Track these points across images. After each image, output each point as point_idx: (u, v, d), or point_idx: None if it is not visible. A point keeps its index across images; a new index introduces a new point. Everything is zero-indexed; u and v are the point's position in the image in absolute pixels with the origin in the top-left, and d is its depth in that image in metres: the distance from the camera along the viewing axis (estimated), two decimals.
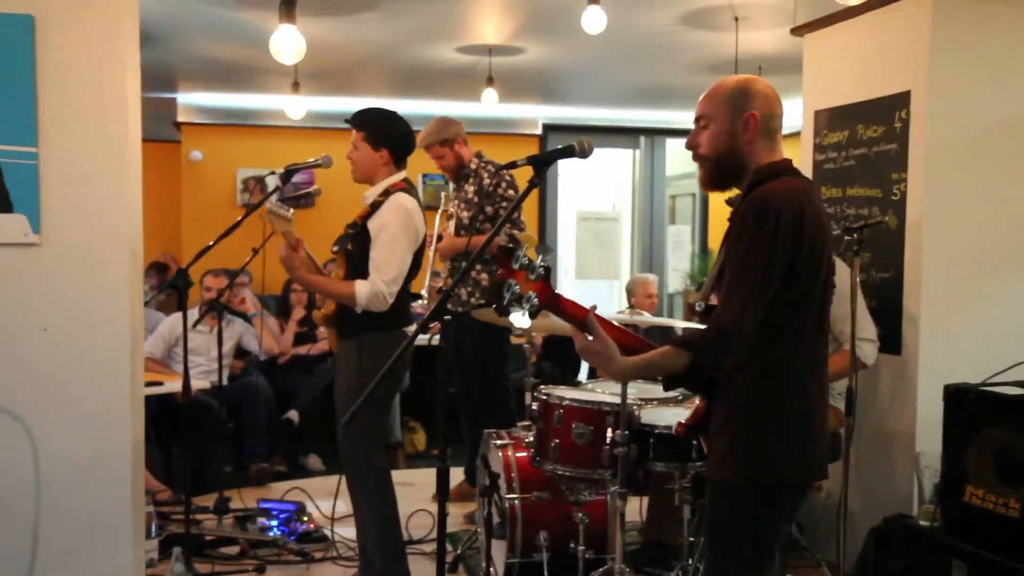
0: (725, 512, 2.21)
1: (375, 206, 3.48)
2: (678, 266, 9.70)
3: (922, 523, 3.32)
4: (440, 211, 5.09)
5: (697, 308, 2.29)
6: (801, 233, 2.07)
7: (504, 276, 2.03)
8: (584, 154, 2.30)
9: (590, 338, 2.10)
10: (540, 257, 2.06)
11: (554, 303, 2.10)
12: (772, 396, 2.13)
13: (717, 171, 2.24)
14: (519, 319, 2.01)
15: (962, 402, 3.14)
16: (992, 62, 3.70)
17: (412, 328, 3.46)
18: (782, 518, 2.22)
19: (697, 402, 2.30)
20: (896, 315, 3.79)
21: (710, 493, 2.28)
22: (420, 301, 4.91)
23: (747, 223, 2.08)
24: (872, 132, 3.96)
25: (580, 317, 2.10)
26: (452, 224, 4.86)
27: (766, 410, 2.14)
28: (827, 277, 2.18)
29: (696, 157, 2.26)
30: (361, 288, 3.36)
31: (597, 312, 2.13)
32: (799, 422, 2.15)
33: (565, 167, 9.39)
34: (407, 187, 3.55)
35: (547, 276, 2.08)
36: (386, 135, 3.53)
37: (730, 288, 2.07)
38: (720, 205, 9.00)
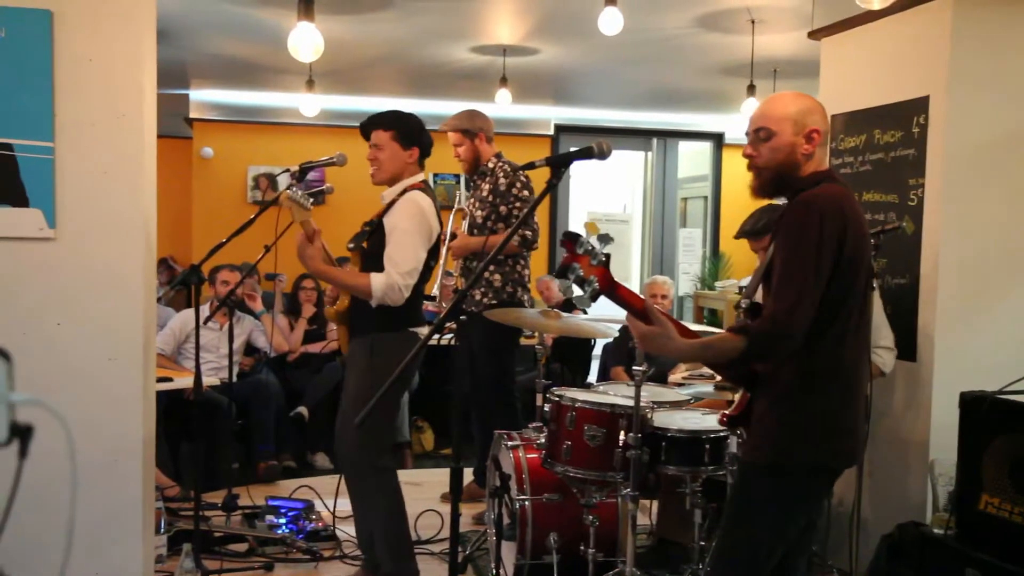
0: (751, 492, 2.37)
1: (391, 204, 3.49)
2: (688, 269, 9.67)
3: (936, 531, 3.30)
4: (455, 209, 5.08)
5: (742, 305, 2.38)
6: (843, 234, 2.20)
7: (569, 260, 2.20)
8: (603, 155, 2.31)
9: (645, 326, 2.23)
10: (603, 245, 2.20)
11: (612, 289, 2.24)
12: (811, 392, 2.27)
13: (774, 180, 2.36)
14: (581, 300, 2.19)
15: (978, 410, 3.12)
16: (1013, 68, 3.67)
17: (424, 329, 3.45)
18: (804, 502, 2.36)
19: (738, 396, 2.46)
20: (911, 321, 3.76)
21: (740, 474, 2.51)
22: (432, 302, 4.90)
23: (793, 225, 2.22)
24: (889, 137, 3.93)
25: (638, 305, 2.26)
26: (466, 223, 4.85)
27: (803, 405, 2.27)
28: (868, 280, 2.32)
29: (752, 166, 2.38)
30: (376, 280, 3.35)
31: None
32: (833, 417, 2.28)
33: (577, 168, 9.34)
34: (424, 187, 3.56)
35: (607, 263, 2.21)
36: (416, 135, 3.57)
37: (781, 284, 2.20)
38: (731, 207, 9.01)
